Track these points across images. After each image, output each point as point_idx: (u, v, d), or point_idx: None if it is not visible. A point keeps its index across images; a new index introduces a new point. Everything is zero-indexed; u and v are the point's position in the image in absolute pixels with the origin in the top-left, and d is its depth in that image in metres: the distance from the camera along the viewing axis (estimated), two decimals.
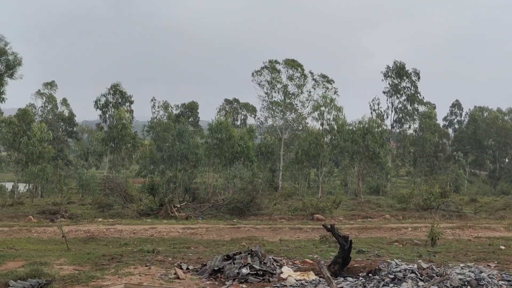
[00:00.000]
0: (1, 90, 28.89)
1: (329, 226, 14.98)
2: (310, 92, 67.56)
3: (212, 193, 49.68)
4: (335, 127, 58.68)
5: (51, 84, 77.63)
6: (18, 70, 27.77)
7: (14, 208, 39.91)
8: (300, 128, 70.83)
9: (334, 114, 59.84)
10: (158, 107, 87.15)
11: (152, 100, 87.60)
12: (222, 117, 61.92)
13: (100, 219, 32.04)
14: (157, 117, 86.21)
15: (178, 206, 36.06)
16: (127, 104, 71.78)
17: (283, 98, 67.04)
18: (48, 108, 77.04)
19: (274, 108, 67.89)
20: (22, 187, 66.45)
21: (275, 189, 58.10)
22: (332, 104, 60.05)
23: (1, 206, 40.68)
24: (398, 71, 76.39)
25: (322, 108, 61.41)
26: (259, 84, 67.00)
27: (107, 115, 68.84)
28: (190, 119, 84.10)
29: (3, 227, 27.04)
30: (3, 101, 32.52)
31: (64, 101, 78.74)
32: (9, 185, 67.41)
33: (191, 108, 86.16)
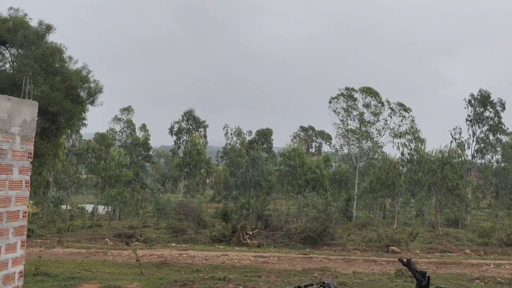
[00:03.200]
0: (83, 116, 30.00)
1: (405, 260, 14.31)
2: (386, 120, 66.40)
3: (284, 221, 49.25)
4: (415, 157, 57.19)
5: (127, 110, 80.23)
6: (99, 97, 28.80)
7: (93, 230, 41.09)
8: (376, 156, 69.53)
9: (414, 144, 58.46)
10: (232, 133, 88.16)
11: (224, 128, 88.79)
12: (295, 144, 61.73)
13: (173, 244, 32.36)
14: (231, 143, 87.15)
15: (250, 233, 35.90)
16: (201, 130, 73.02)
17: (358, 125, 66.19)
18: (127, 133, 79.55)
19: (349, 135, 67.09)
20: (101, 209, 68.49)
21: (349, 218, 57.00)
22: (415, 134, 58.72)
23: (80, 228, 42.00)
24: (483, 100, 73.62)
25: (402, 138, 60.14)
26: (334, 111, 66.60)
27: (182, 141, 70.22)
28: (263, 146, 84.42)
29: (81, 249, 27.78)
30: (85, 126, 33.91)
31: (143, 127, 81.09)
32: (89, 207, 69.64)
33: (265, 135, 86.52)
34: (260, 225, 39.70)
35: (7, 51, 28.26)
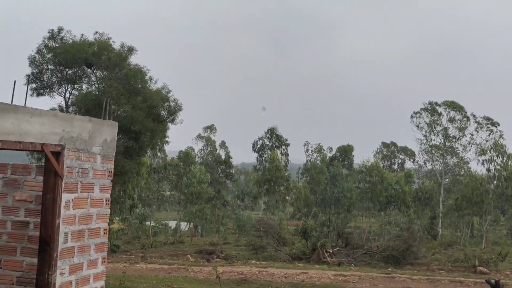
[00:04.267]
0: (165, 135, 30.84)
1: (493, 282, 13.62)
2: (472, 135, 63.96)
3: (366, 239, 48.27)
4: (503, 173, 54.68)
5: (210, 128, 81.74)
6: (179, 115, 29.54)
7: (175, 247, 41.93)
8: (461, 173, 67.03)
9: (502, 160, 55.98)
10: (312, 150, 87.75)
11: (305, 144, 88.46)
12: (374, 160, 60.66)
13: (253, 261, 32.44)
14: (311, 160, 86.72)
15: (331, 251, 35.43)
16: (283, 147, 73.18)
17: (443, 141, 64.14)
18: (208, 150, 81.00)
19: (433, 151, 65.12)
20: (184, 226, 69.86)
21: (434, 237, 55.09)
22: (501, 150, 56.27)
23: (163, 244, 42.99)
24: None
25: (489, 154, 57.75)
26: (417, 126, 64.93)
27: (263, 158, 70.66)
28: (344, 163, 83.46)
29: (163, 265, 28.37)
30: (167, 144, 34.90)
31: (222, 144, 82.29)
32: (172, 224, 71.17)
33: (345, 151, 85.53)
34: (341, 243, 39.10)
35: (93, 73, 29.65)
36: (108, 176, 6.96)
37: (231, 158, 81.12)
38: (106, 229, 7.03)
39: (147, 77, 29.48)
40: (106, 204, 7.00)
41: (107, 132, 6.84)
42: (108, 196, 7.03)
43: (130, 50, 29.58)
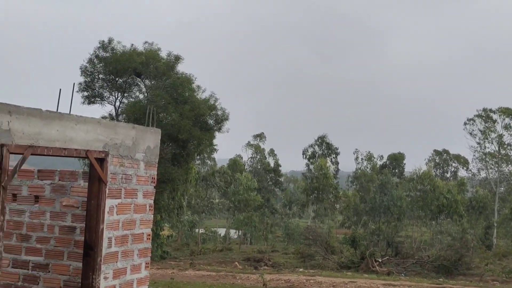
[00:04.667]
0: (212, 142, 31.21)
1: None
2: None
3: (416, 248, 47.30)
4: None
5: (260, 136, 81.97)
6: (226, 124, 29.83)
7: (223, 254, 42.13)
8: None
9: None
10: (362, 158, 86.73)
11: (355, 152, 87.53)
12: (426, 168, 59.45)
13: (301, 269, 32.24)
14: (361, 168, 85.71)
15: (380, 260, 34.87)
16: (333, 155, 72.69)
17: (497, 148, 62.35)
18: (257, 158, 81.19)
19: (487, 159, 63.36)
20: (233, 233, 70.16)
21: (489, 247, 53.47)
22: None
23: (212, 251, 43.26)
24: None
25: None
26: (470, 133, 63.37)
27: (312, 166, 70.35)
28: (395, 171, 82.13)
29: (211, 272, 28.52)
30: (215, 152, 35.29)
31: (271, 152, 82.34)
32: (221, 231, 71.58)
33: (396, 159, 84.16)
34: (391, 252, 38.44)
35: (142, 82, 30.29)
36: (152, 182, 7.07)
37: (280, 166, 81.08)
38: (149, 235, 7.13)
39: (194, 86, 29.90)
40: (150, 210, 7.10)
41: (150, 139, 6.95)
42: (152, 202, 7.13)
43: (177, 59, 30.05)
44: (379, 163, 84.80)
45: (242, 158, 79.15)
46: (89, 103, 29.58)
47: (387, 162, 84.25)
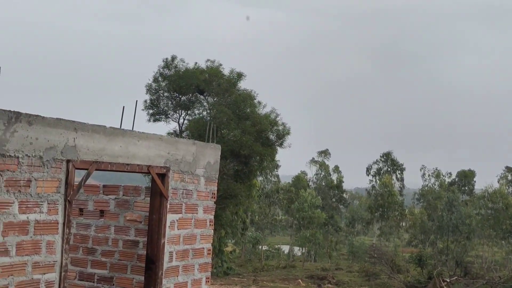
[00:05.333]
0: (274, 158, 31.26)
1: None
2: None
3: (487, 268, 45.54)
4: None
5: (324, 153, 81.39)
6: (287, 139, 29.85)
7: (287, 271, 41.95)
8: None
9: None
10: (429, 175, 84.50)
11: (421, 169, 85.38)
12: (498, 186, 57.29)
13: None
14: (428, 185, 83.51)
15: (448, 280, 33.76)
16: (398, 171, 71.27)
17: None
18: (321, 175, 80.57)
19: None
20: (296, 250, 69.76)
21: None
22: None
23: (275, 268, 43.14)
24: None
25: None
26: None
27: (377, 183, 69.19)
28: (464, 188, 79.55)
29: None
30: (277, 168, 35.34)
31: (336, 169, 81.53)
32: (285, 248, 71.31)
33: (466, 176, 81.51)
34: (459, 272, 37.19)
35: (205, 99, 30.81)
36: (212, 197, 7.14)
37: (343, 182, 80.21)
38: (209, 250, 7.19)
39: (255, 102, 30.13)
40: (210, 225, 7.17)
41: (210, 155, 7.04)
42: (212, 217, 7.20)
43: (239, 75, 30.43)
44: (447, 180, 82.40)
45: (306, 174, 78.78)
46: (154, 121, 30.36)
47: (456, 179, 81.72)
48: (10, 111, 4.51)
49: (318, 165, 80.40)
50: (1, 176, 4.47)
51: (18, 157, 4.58)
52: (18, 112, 4.58)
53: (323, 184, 78.89)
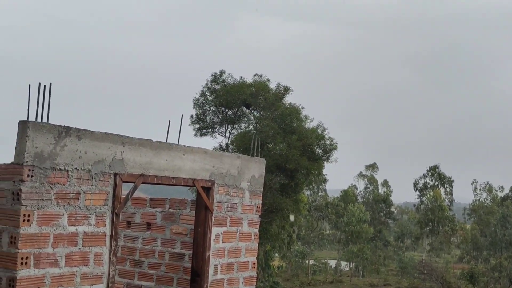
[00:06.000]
0: (320, 172, 31.13)
1: None
2: None
3: None
4: None
5: (372, 166, 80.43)
6: (334, 154, 29.73)
7: (334, 286, 41.54)
8: None
9: None
10: (481, 189, 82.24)
11: (473, 183, 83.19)
12: None
13: None
14: (480, 200, 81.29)
15: None
16: (446, 185, 69.70)
17: None
18: (369, 189, 79.59)
19: None
20: (344, 265, 68.95)
21: None
22: None
23: (322, 283, 42.74)
24: None
25: None
26: None
27: (425, 197, 67.83)
28: None
29: None
30: (324, 182, 35.15)
31: (385, 183, 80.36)
32: (332, 263, 70.63)
33: None
34: None
35: (251, 113, 30.98)
36: (256, 211, 7.16)
37: (391, 196, 78.98)
38: (254, 263, 7.20)
39: (302, 116, 30.14)
40: (255, 238, 7.18)
41: (255, 168, 7.07)
42: (256, 231, 7.21)
43: (286, 89, 30.54)
44: (500, 194, 79.99)
45: (357, 188, 77.93)
46: (200, 135, 30.72)
47: (510, 194, 79.26)
48: (60, 125, 4.65)
49: (366, 179, 79.48)
50: (52, 189, 4.61)
51: (67, 171, 4.72)
52: (68, 127, 4.72)
53: (371, 198, 77.87)
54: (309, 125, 30.24)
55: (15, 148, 4.43)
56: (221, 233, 6.55)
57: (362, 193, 79.11)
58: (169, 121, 5.98)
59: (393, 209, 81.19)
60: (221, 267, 6.58)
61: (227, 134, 30.96)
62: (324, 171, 34.12)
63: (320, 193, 66.56)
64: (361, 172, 79.97)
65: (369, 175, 79.54)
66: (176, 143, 5.91)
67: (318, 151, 29.55)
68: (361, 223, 55.75)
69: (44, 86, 4.64)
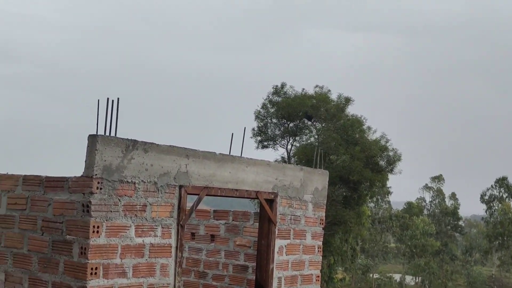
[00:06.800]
0: (384, 184, 30.66)
1: None
2: None
3: None
4: None
5: (438, 178, 78.38)
6: (398, 165, 29.24)
7: None
8: None
9: None
10: None
11: None
12: None
13: None
14: None
15: None
16: None
17: None
18: (436, 202, 77.54)
19: None
20: (409, 279, 67.41)
21: None
22: None
23: None
24: None
25: None
26: None
27: (494, 210, 65.48)
28: None
29: None
30: (388, 194, 34.56)
31: (453, 195, 78.10)
32: (397, 277, 69.20)
33: None
34: None
35: (312, 125, 30.93)
36: (320, 223, 7.10)
37: (458, 209, 76.61)
38: (318, 276, 7.14)
39: (364, 127, 29.86)
40: (318, 251, 7.12)
41: (318, 180, 7.02)
42: (320, 243, 7.15)
43: (348, 100, 30.37)
44: None
45: (425, 201, 76.06)
46: (262, 147, 30.89)
47: None
48: (127, 139, 4.77)
49: (431, 191, 77.52)
50: (120, 201, 4.73)
51: (134, 183, 4.83)
52: (135, 140, 4.84)
53: (437, 210, 75.85)
54: (372, 136, 29.96)
55: (85, 161, 4.58)
56: (285, 246, 6.53)
57: (428, 205, 77.20)
58: (232, 133, 6.04)
59: (461, 222, 78.80)
60: (284, 279, 6.55)
61: (289, 147, 31.03)
62: (388, 183, 33.55)
63: (384, 206, 65.42)
64: (426, 184, 78.08)
65: (435, 187, 77.54)
66: (239, 155, 5.96)
67: (382, 162, 29.17)
68: (426, 236, 54.39)
69: (112, 100, 4.78)
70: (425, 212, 73.34)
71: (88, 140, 4.58)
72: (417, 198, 75.73)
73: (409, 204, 67.81)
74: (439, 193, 76.84)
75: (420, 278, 59.56)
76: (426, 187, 77.72)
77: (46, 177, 4.86)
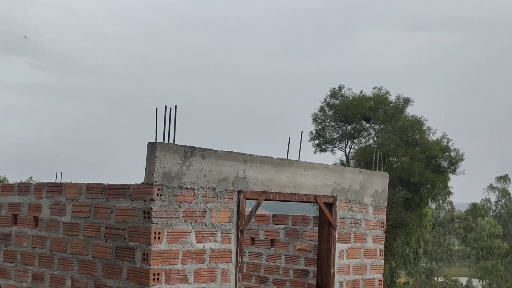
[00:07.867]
0: (446, 185, 29.89)
1: None
2: None
3: None
4: None
5: (504, 178, 75.67)
6: (461, 165, 28.48)
7: None
8: None
9: None
10: None
11: None
12: None
13: None
14: None
15: None
16: None
17: None
18: (502, 202, 74.95)
19: None
20: (476, 282, 65.51)
21: None
22: None
23: None
24: None
25: None
26: None
27: None
28: None
29: None
30: (450, 195, 33.69)
31: None
32: (463, 280, 67.34)
33: None
34: None
35: (371, 127, 30.53)
36: (381, 227, 6.98)
37: None
38: (380, 280, 7.01)
39: (424, 128, 29.25)
40: (380, 255, 7.00)
41: (378, 183, 6.91)
42: (382, 247, 7.03)
43: (407, 101, 29.84)
44: None
45: (490, 202, 73.66)
46: (320, 151, 30.70)
47: None
48: (186, 146, 4.83)
49: (497, 192, 74.93)
50: (180, 207, 4.78)
51: (194, 189, 4.88)
52: (193, 147, 4.89)
53: (504, 211, 73.28)
54: (433, 136, 29.30)
55: (145, 168, 4.66)
56: (345, 250, 6.45)
57: (493, 206, 74.71)
58: (289, 137, 6.02)
59: None
60: (346, 284, 6.47)
61: (347, 149, 30.73)
62: (450, 184, 32.74)
63: (446, 207, 63.78)
64: (491, 184, 75.53)
65: (500, 187, 74.92)
66: (297, 159, 5.93)
67: (443, 163, 28.49)
68: (492, 238, 52.68)
69: (170, 108, 4.85)
70: (491, 213, 71.02)
71: (147, 147, 4.66)
72: (482, 199, 73.43)
73: (474, 205, 65.78)
74: (504, 193, 74.22)
75: (487, 281, 57.66)
76: (491, 187, 75.21)
77: (108, 185, 4.97)
